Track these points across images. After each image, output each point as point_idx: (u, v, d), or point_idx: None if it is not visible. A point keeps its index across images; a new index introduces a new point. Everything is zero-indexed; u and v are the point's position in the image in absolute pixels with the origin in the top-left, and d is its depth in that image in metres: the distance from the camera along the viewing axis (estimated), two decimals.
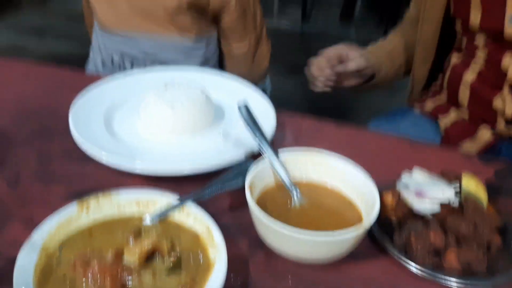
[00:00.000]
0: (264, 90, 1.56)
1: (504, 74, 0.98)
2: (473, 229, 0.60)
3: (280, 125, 0.88)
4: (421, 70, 1.18)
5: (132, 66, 1.24)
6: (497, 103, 1.01)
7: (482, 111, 1.03)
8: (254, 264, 0.62)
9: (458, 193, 0.65)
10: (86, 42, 3.36)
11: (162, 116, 0.80)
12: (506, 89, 1.00)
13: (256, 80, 1.37)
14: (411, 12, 1.23)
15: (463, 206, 0.64)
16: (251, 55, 1.29)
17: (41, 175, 0.75)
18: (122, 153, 0.74)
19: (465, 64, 1.05)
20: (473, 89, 1.05)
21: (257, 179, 0.65)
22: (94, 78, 1.01)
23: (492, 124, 1.02)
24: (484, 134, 1.03)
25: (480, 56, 1.03)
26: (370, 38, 4.02)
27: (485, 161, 0.84)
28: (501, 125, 1.03)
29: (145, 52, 1.21)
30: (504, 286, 0.59)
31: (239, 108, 0.71)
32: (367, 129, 0.97)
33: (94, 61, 1.32)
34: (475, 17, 0.99)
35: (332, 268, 0.61)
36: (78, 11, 3.72)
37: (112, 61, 1.26)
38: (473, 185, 0.65)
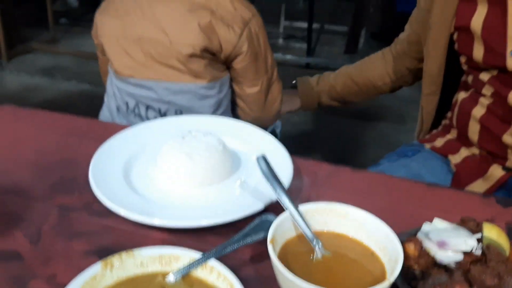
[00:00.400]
0: (274, 129, 1.58)
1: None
2: (497, 281, 0.60)
3: (295, 170, 0.88)
4: (429, 104, 1.19)
5: (146, 111, 1.26)
6: (507, 138, 1.02)
7: (493, 147, 1.04)
8: None
9: (480, 241, 0.65)
10: (95, 82, 3.42)
11: (181, 167, 0.81)
12: None
13: (268, 123, 1.39)
14: (408, 35, 1.25)
15: (485, 255, 0.63)
16: (263, 98, 1.31)
17: (62, 230, 0.75)
18: (141, 208, 0.75)
19: (473, 100, 1.06)
20: (483, 125, 1.06)
21: (278, 232, 0.66)
22: (112, 127, 1.03)
23: (504, 160, 1.02)
24: (496, 171, 1.03)
25: (487, 91, 1.03)
26: None
27: (503, 204, 0.84)
28: (510, 163, 1.04)
29: (160, 97, 1.24)
30: None
31: (258, 160, 0.72)
32: (381, 173, 0.97)
33: (109, 107, 1.34)
34: (478, 53, 1.00)
35: None
36: (86, 52, 3.80)
37: (127, 106, 1.28)
38: (494, 234, 0.65)
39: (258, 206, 0.75)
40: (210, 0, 1.19)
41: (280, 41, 4.39)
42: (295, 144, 2.60)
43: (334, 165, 0.95)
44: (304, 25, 4.01)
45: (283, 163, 0.86)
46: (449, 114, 1.18)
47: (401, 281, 0.64)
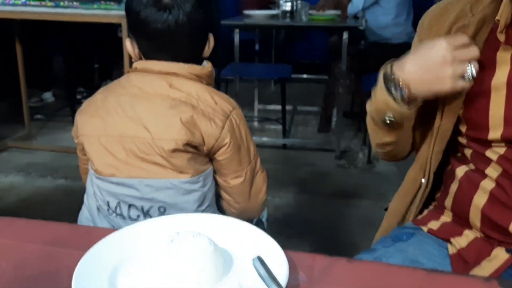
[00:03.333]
0: (260, 218, 1.55)
1: None
2: None
3: (290, 266, 0.85)
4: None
5: (129, 210, 1.23)
6: None
7: (497, 235, 1.02)
8: None
9: None
10: (71, 176, 3.37)
11: (170, 275, 0.76)
12: None
13: (255, 214, 1.37)
14: None
15: None
16: (248, 188, 1.30)
17: None
18: None
19: (473, 183, 1.05)
20: (485, 215, 1.03)
21: None
22: (95, 232, 0.98)
23: (509, 245, 1.00)
24: (500, 254, 1.01)
25: (493, 172, 1.00)
26: (350, 146, 4.15)
27: (506, 287, 0.81)
28: None
29: (142, 195, 1.21)
30: None
31: (254, 263, 0.69)
32: (378, 261, 0.94)
33: (89, 208, 1.30)
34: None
35: None
36: (62, 146, 3.78)
37: (108, 206, 1.24)
38: None
39: None
40: (191, 96, 1.21)
41: (256, 124, 4.49)
42: (278, 227, 2.56)
43: (329, 256, 0.92)
44: (278, 107, 4.14)
45: (278, 260, 0.82)
46: (437, 195, 1.16)
47: None
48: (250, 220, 1.40)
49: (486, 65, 0.98)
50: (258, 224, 1.52)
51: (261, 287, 0.71)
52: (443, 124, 1.04)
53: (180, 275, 0.77)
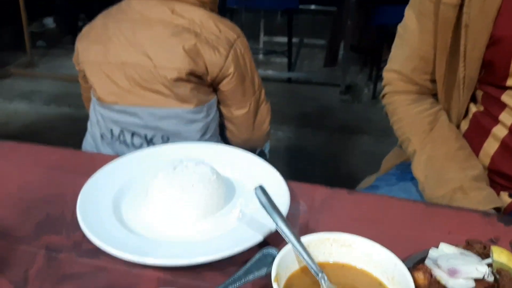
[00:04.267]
0: (262, 150, 1.55)
1: None
2: None
3: (291, 196, 0.86)
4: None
5: (132, 138, 1.23)
6: None
7: (503, 181, 1.01)
8: None
9: (490, 266, 0.63)
10: (74, 105, 3.36)
11: (173, 202, 0.77)
12: None
13: (258, 144, 1.37)
14: (421, 51, 1.07)
15: (498, 280, 0.61)
16: (252, 119, 1.29)
17: (50, 274, 0.71)
18: (133, 246, 0.71)
19: (485, 131, 1.02)
20: (494, 161, 1.02)
21: (281, 267, 0.62)
22: (98, 158, 0.99)
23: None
24: (504, 198, 1.01)
25: (507, 118, 0.97)
26: (355, 81, 4.08)
27: (505, 222, 0.82)
28: None
29: (145, 124, 1.20)
30: None
31: (256, 191, 0.69)
32: (380, 195, 0.95)
33: (93, 135, 1.30)
34: None
35: None
36: (65, 74, 3.75)
37: (111, 134, 1.24)
38: (505, 258, 0.63)
39: (257, 238, 0.72)
40: (194, 23, 1.17)
41: (261, 56, 4.41)
42: (280, 159, 2.58)
43: (330, 188, 0.92)
44: (284, 39, 4.03)
45: (279, 190, 0.83)
46: None
47: None
48: (253, 151, 1.41)
49: None
50: (261, 155, 1.52)
51: (262, 215, 0.72)
52: (468, 73, 1.00)
53: (183, 203, 0.78)
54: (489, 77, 1.00)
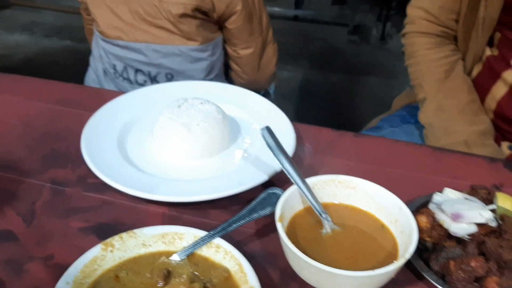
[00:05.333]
0: (267, 90, 1.53)
1: None
2: None
3: (297, 138, 0.85)
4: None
5: (136, 75, 1.20)
6: None
7: (507, 126, 1.00)
8: None
9: (494, 211, 0.63)
10: (76, 38, 3.28)
11: (179, 140, 0.77)
12: None
13: (264, 85, 1.34)
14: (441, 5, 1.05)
15: (500, 226, 0.62)
16: (258, 60, 1.26)
17: (56, 207, 0.72)
18: (139, 182, 0.71)
19: (504, 61, 0.99)
20: (501, 106, 1.00)
21: (286, 207, 0.63)
22: (102, 94, 0.98)
23: None
24: (504, 148, 1.00)
25: None
26: (364, 21, 3.95)
27: (511, 168, 0.82)
28: None
29: (149, 61, 1.18)
30: None
31: (262, 132, 0.68)
32: (386, 139, 0.94)
33: (95, 70, 1.28)
34: None
35: None
36: (66, 6, 3.63)
37: (114, 70, 1.22)
38: (509, 204, 0.63)
39: (262, 177, 0.72)
40: None
41: None
42: (285, 99, 2.55)
43: (336, 130, 0.92)
44: None
45: (285, 131, 0.83)
46: None
47: (414, 255, 0.62)
48: (257, 92, 1.39)
49: None
50: (266, 95, 1.50)
51: (267, 155, 0.72)
52: (488, 14, 0.97)
53: (188, 142, 0.78)
54: (509, 19, 0.96)
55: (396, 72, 2.91)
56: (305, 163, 0.83)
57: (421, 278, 0.61)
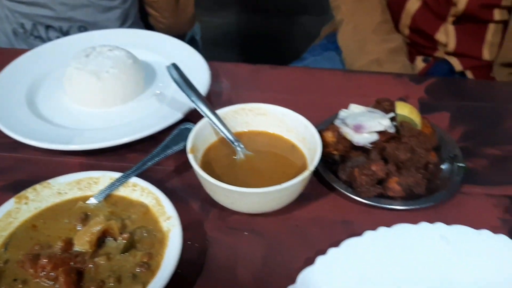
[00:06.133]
0: (193, 36, 1.51)
1: (451, 5, 0.97)
2: (410, 154, 0.63)
3: (215, 76, 0.86)
4: None
5: (47, 31, 1.15)
6: (440, 36, 1.02)
7: (423, 41, 1.04)
8: (209, 224, 0.62)
9: (394, 120, 0.67)
10: None
11: (90, 88, 0.76)
12: (450, 21, 1.00)
13: (184, 29, 1.32)
14: None
15: (399, 132, 0.66)
16: (174, 2, 1.23)
17: None
18: (52, 135, 0.70)
19: None
20: (415, 20, 1.04)
21: (198, 139, 0.64)
22: (10, 53, 0.94)
23: (431, 53, 1.04)
24: (418, 63, 1.05)
25: None
26: None
27: (416, 81, 0.87)
28: (440, 54, 1.05)
29: (58, 15, 1.13)
30: (443, 202, 0.63)
31: (168, 69, 0.69)
32: (301, 68, 0.96)
33: (4, 31, 1.21)
34: None
35: (284, 212, 0.62)
36: None
37: (24, 29, 1.16)
38: (407, 111, 0.67)
39: (176, 116, 0.73)
40: None
41: None
42: (218, 47, 2.53)
43: (253, 64, 0.93)
44: None
45: (199, 69, 0.83)
46: None
47: (323, 168, 0.66)
48: (181, 37, 1.36)
49: None
50: (192, 42, 1.48)
51: (183, 95, 0.72)
52: None
53: (98, 90, 0.77)
54: None
55: (327, 6, 2.92)
56: (223, 98, 0.84)
57: (332, 189, 0.65)
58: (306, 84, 0.88)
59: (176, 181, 0.68)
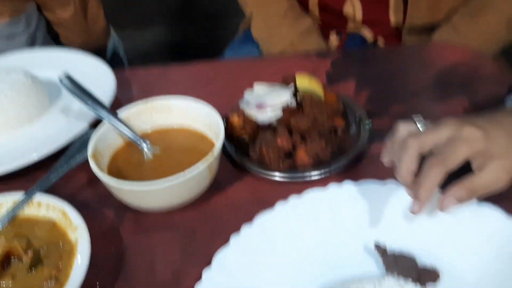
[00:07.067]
0: (115, 51, 1.48)
1: None
2: (313, 122, 0.63)
3: (125, 82, 0.85)
4: None
5: None
6: (347, 9, 1.04)
7: (333, 19, 1.06)
8: (125, 228, 0.61)
9: (295, 93, 0.67)
10: None
11: None
12: None
13: (99, 42, 1.29)
14: None
15: (301, 104, 0.66)
16: (82, 18, 1.20)
17: None
18: None
19: None
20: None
21: (102, 144, 0.63)
22: None
23: (343, 28, 1.06)
24: (332, 38, 1.07)
25: None
26: None
27: (322, 56, 0.88)
28: (350, 28, 1.07)
29: None
30: (353, 165, 0.64)
31: (61, 80, 0.67)
32: (211, 61, 0.96)
33: None
34: None
35: (200, 203, 0.62)
36: None
37: None
38: (306, 82, 0.68)
39: (82, 126, 0.71)
40: None
41: None
42: (148, 60, 2.50)
43: (163, 66, 0.92)
44: None
45: (105, 79, 0.82)
46: None
47: (235, 153, 0.66)
48: (103, 54, 1.33)
49: None
50: (115, 57, 1.46)
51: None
52: None
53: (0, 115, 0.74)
54: None
55: None
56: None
57: (247, 171, 0.65)
58: (217, 75, 0.88)
59: (89, 192, 0.66)
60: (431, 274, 0.49)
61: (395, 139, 0.52)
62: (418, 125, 0.49)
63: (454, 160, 0.46)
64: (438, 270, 0.49)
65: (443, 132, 0.48)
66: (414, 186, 0.48)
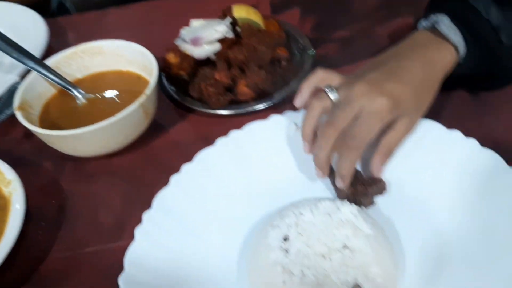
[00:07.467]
0: (61, 2, 1.39)
1: None
2: (251, 53, 0.61)
3: (61, 31, 0.80)
4: None
5: None
6: None
7: None
8: (66, 178, 0.58)
9: (233, 25, 0.64)
10: None
11: None
12: None
13: None
14: None
15: (240, 35, 0.63)
16: None
17: None
18: None
19: None
20: None
21: (30, 95, 0.59)
22: None
23: None
24: None
25: None
26: None
27: None
28: None
29: None
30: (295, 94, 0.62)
31: None
32: (151, 2, 0.90)
33: None
34: None
35: (141, 146, 0.60)
36: None
37: None
38: (243, 12, 0.65)
39: (12, 79, 0.67)
40: None
41: None
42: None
43: (99, 11, 0.87)
44: None
45: (36, 28, 0.77)
46: None
47: (176, 92, 0.63)
48: (47, 4, 1.26)
49: None
50: (61, 7, 1.37)
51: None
52: None
53: None
54: None
55: None
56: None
57: (190, 110, 0.63)
58: (156, 16, 0.83)
59: (26, 146, 0.63)
60: (378, 185, 0.48)
61: (309, 83, 0.51)
62: (330, 96, 0.48)
63: (369, 138, 0.46)
64: (385, 181, 0.49)
65: (354, 105, 0.46)
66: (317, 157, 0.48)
